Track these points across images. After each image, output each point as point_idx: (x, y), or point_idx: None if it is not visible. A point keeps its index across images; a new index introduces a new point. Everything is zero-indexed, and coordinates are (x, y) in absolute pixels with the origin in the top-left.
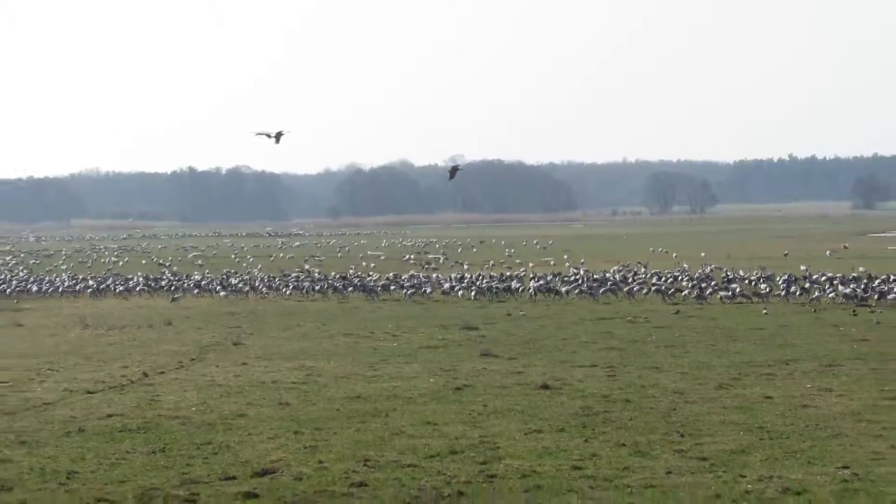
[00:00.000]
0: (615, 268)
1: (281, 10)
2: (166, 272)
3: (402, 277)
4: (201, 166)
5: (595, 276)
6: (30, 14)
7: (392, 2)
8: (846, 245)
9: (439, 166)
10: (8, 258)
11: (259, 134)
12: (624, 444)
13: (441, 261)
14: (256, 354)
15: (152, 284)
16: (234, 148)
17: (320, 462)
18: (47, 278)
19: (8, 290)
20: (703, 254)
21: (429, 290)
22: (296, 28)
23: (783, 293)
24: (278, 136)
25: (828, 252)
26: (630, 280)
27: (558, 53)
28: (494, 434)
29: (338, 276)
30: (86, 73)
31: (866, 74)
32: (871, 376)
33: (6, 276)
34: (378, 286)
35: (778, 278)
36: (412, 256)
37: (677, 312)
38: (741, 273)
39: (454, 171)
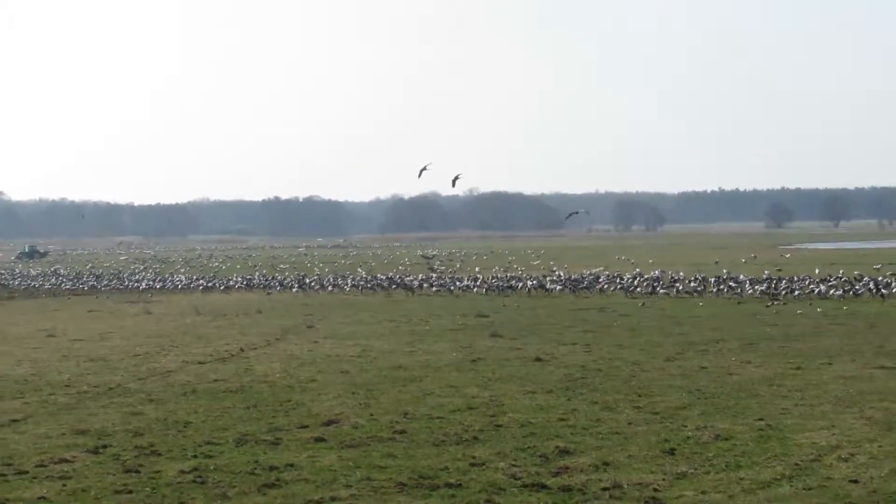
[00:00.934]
0: (587, 271)
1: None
2: (257, 274)
3: (433, 277)
4: (284, 195)
5: (574, 277)
6: (155, 64)
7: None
8: (755, 255)
9: (459, 196)
10: (139, 265)
11: (423, 170)
12: (596, 402)
13: (442, 266)
14: (324, 335)
15: (248, 283)
16: (308, 180)
17: (371, 415)
18: (169, 278)
19: (140, 287)
20: (651, 260)
21: (452, 288)
22: (356, 87)
23: (714, 290)
24: (455, 179)
25: (743, 260)
26: (601, 280)
27: (555, 112)
28: (500, 394)
29: (384, 277)
30: (196, 121)
31: (777, 122)
32: (780, 352)
33: (140, 276)
34: (415, 284)
35: (711, 279)
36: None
37: (642, 304)
38: (682, 275)
39: (455, 180)
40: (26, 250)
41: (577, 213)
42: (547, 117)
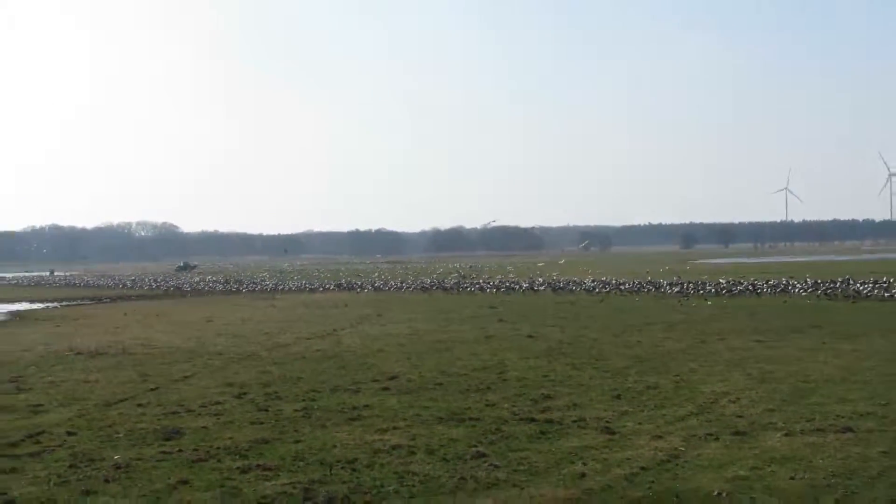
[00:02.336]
0: (563, 278)
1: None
2: (343, 280)
3: (464, 282)
4: (362, 227)
5: (553, 282)
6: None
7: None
8: (668, 267)
9: (477, 229)
10: (266, 274)
11: (491, 222)
12: (568, 364)
13: (469, 276)
14: (388, 321)
15: (338, 286)
16: (378, 216)
17: (419, 373)
18: (287, 283)
19: (269, 289)
20: (601, 271)
21: (473, 289)
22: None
23: (645, 291)
24: (491, 222)
25: (661, 270)
26: (571, 284)
27: (539, 166)
28: (505, 360)
29: (427, 282)
30: (304, 170)
31: (687, 175)
32: (691, 331)
33: (268, 282)
34: (450, 286)
35: (643, 283)
36: (460, 272)
37: (601, 301)
38: (624, 281)
39: (491, 223)
40: (182, 265)
41: (493, 222)
42: (532, 170)
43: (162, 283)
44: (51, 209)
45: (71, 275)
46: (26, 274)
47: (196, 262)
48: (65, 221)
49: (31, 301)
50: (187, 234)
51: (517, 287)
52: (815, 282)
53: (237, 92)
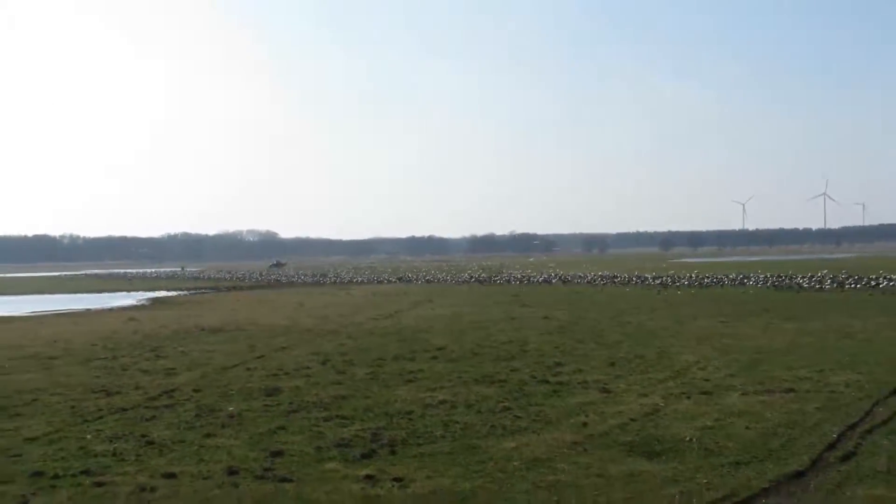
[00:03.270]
0: (570, 273)
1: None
2: (402, 275)
3: (494, 276)
4: (417, 234)
5: (563, 276)
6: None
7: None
8: (648, 265)
9: (506, 235)
10: (343, 271)
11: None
12: (574, 339)
13: (498, 271)
14: (437, 306)
15: (399, 279)
16: (429, 223)
17: (460, 346)
18: (360, 277)
19: (346, 281)
20: (597, 267)
21: (501, 281)
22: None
23: (634, 283)
24: (533, 242)
25: (647, 267)
26: (575, 278)
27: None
28: (526, 335)
29: (466, 276)
30: (372, 187)
31: (666, 190)
32: (670, 314)
33: (345, 276)
34: (483, 279)
35: (632, 277)
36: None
37: (601, 290)
38: (618, 275)
39: (534, 242)
40: (273, 262)
41: (535, 242)
42: (549, 189)
43: (264, 277)
44: (182, 219)
45: (196, 270)
46: (163, 269)
47: (285, 261)
48: (192, 229)
49: (167, 290)
50: (284, 239)
51: (536, 280)
52: (766, 276)
53: (325, 129)
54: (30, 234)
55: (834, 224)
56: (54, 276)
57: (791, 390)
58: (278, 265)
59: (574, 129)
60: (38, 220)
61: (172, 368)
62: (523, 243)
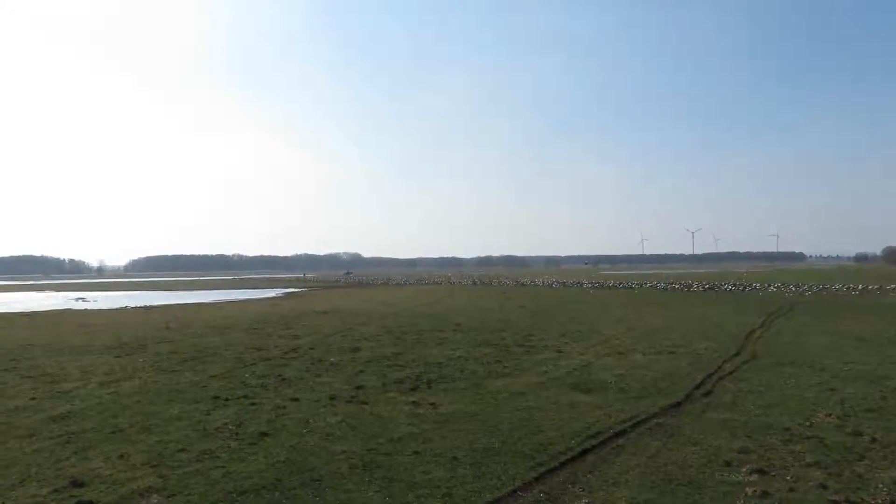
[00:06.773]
0: (570, 280)
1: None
2: (439, 280)
3: (493, 281)
4: (445, 255)
5: (564, 281)
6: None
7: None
8: (584, 275)
9: (522, 256)
10: (398, 278)
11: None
12: (540, 319)
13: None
14: (459, 298)
15: (436, 283)
16: (444, 246)
17: (470, 323)
18: (408, 281)
19: (401, 283)
20: (593, 277)
21: (495, 284)
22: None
23: (618, 287)
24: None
25: (578, 278)
26: (542, 282)
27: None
28: (509, 317)
29: (475, 281)
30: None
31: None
32: (598, 304)
33: (399, 281)
34: (485, 283)
35: (617, 283)
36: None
37: (589, 292)
38: (610, 282)
39: (515, 262)
40: (346, 272)
41: (587, 263)
42: (562, 215)
43: (343, 280)
44: (305, 244)
45: (312, 276)
46: (291, 276)
47: (352, 271)
48: (310, 251)
49: (295, 287)
50: (366, 258)
51: (518, 283)
52: (658, 283)
53: (409, 163)
54: (212, 253)
55: (699, 251)
56: (228, 279)
57: (672, 352)
58: (349, 274)
59: (578, 165)
60: (216, 243)
61: (297, 335)
62: (510, 261)
